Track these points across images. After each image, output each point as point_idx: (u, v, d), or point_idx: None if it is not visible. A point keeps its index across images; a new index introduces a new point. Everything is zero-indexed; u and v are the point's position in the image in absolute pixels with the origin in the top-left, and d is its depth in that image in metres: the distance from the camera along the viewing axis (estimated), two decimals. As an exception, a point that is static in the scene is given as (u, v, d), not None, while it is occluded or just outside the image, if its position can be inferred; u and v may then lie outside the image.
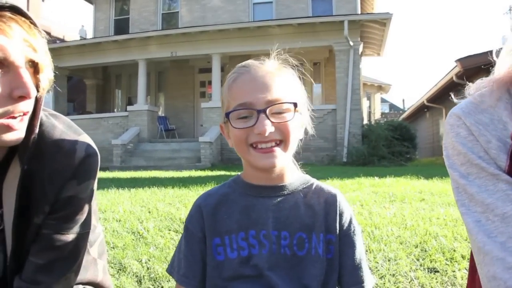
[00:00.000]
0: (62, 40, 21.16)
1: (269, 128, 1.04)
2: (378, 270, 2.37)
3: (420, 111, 21.73)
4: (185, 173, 8.86)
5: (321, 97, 15.63)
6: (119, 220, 3.52)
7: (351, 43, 12.62)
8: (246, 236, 1.11)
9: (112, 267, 2.59)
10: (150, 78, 16.47)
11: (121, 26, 17.55)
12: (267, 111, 1.04)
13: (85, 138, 1.15)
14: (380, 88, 23.86)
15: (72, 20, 25.60)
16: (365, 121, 15.57)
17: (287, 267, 1.09)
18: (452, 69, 13.67)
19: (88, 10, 20.91)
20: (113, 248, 2.89)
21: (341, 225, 1.13)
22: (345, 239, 1.13)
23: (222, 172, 9.31)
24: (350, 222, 1.15)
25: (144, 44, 14.60)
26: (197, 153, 12.68)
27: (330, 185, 1.19)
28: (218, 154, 13.03)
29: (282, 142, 1.08)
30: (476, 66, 12.50)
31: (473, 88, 1.04)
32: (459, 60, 12.97)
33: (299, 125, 1.13)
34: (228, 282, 1.09)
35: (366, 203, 3.89)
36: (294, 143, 1.11)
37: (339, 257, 1.12)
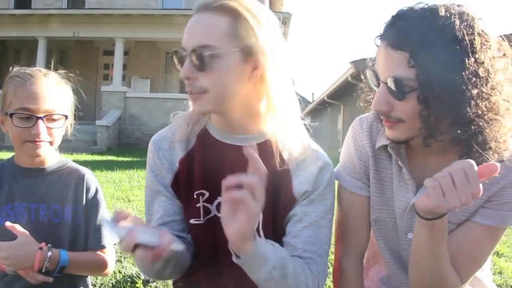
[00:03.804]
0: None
1: (43, 132, 1.40)
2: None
3: (322, 106, 22.75)
4: (76, 156, 8.77)
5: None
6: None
7: (253, 38, 12.99)
8: (12, 206, 1.47)
9: None
10: (52, 57, 15.83)
11: (23, -1, 16.62)
12: (44, 119, 1.40)
13: None
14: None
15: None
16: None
17: (45, 231, 1.45)
18: (348, 69, 14.48)
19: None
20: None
21: (87, 198, 1.54)
22: (91, 209, 1.54)
23: (113, 158, 9.40)
24: (95, 195, 1.56)
25: (45, 22, 14.07)
26: (93, 136, 12.58)
27: (83, 166, 1.58)
28: (115, 138, 13.03)
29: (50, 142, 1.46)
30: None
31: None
32: (353, 62, 13.79)
33: (64, 128, 1.52)
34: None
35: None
36: (59, 141, 1.50)
37: (85, 222, 1.53)
